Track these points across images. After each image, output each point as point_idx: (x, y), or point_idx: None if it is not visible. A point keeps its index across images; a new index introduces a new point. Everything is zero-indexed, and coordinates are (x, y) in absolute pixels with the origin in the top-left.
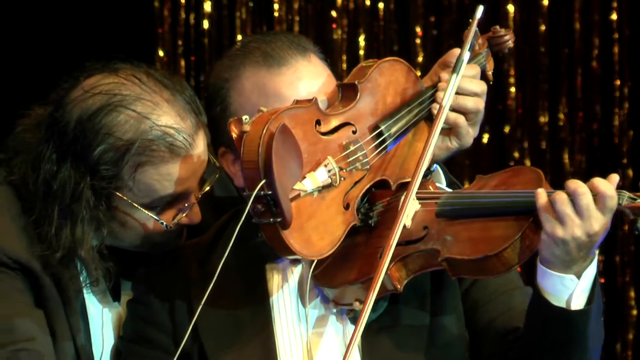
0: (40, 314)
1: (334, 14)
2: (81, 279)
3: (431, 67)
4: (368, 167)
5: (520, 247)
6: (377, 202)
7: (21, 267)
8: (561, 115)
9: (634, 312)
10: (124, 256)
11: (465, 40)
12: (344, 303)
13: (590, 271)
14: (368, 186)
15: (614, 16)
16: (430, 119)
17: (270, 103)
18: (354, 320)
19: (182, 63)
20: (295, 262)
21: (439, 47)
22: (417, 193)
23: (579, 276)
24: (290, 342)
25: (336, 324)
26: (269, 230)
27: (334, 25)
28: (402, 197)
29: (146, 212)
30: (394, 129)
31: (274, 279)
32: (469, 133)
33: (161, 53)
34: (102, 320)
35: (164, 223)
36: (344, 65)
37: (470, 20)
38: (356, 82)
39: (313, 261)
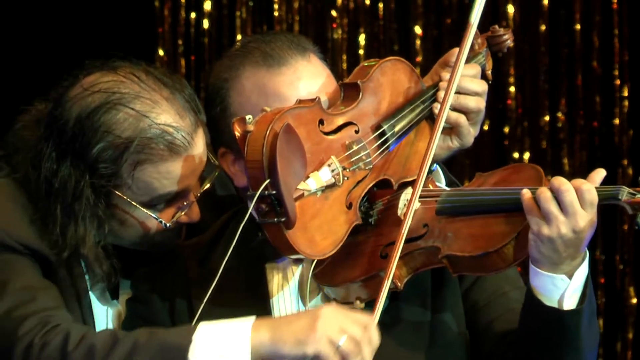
0: (57, 290)
1: (334, 13)
2: (86, 277)
3: (431, 67)
4: (371, 166)
5: (521, 243)
6: (377, 200)
7: (33, 253)
8: (561, 115)
9: (634, 312)
10: (123, 255)
11: (463, 38)
12: (345, 302)
13: (582, 271)
14: (370, 185)
15: (614, 16)
16: (431, 118)
17: (270, 103)
18: None
19: (182, 62)
20: (297, 261)
21: (439, 47)
22: None
23: (570, 276)
24: None
25: None
26: (273, 230)
27: (334, 25)
28: (402, 196)
29: (145, 210)
30: (396, 129)
31: (275, 279)
32: (470, 132)
33: (161, 52)
34: (106, 319)
35: (163, 221)
36: (344, 65)
37: (469, 20)
38: (358, 82)
39: (314, 260)
